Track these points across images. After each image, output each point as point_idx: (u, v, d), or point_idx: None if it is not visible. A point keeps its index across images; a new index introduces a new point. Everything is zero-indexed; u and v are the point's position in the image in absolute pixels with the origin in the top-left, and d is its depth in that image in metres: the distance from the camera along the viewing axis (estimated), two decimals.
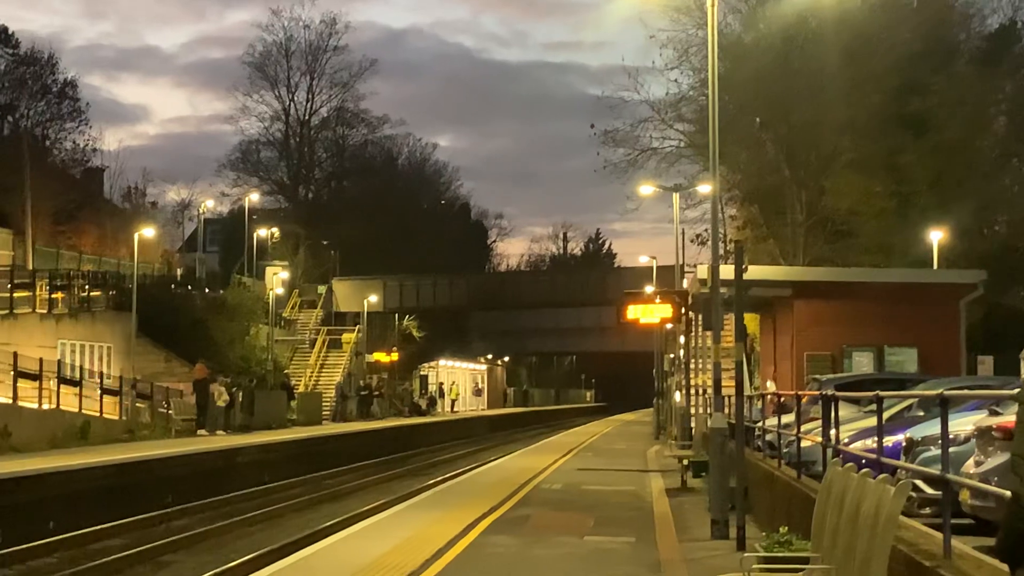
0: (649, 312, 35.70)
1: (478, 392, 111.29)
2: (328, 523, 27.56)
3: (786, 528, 12.41)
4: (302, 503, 33.75)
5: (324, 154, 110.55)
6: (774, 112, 44.33)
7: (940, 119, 43.52)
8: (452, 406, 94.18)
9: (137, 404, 47.58)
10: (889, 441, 13.96)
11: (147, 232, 61.47)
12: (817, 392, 19.49)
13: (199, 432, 45.10)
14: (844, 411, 16.65)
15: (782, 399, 22.18)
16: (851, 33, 41.35)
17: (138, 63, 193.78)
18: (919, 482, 13.08)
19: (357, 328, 77.20)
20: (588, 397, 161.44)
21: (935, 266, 40.50)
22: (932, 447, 13.58)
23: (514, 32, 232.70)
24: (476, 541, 17.71)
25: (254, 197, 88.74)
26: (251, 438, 43.81)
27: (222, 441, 41.59)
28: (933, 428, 13.84)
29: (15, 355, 40.18)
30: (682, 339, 44.78)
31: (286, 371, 66.11)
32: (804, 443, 17.10)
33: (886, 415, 13.90)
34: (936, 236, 41.70)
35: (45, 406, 40.71)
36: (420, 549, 16.62)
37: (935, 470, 10.03)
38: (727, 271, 20.21)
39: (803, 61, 43.06)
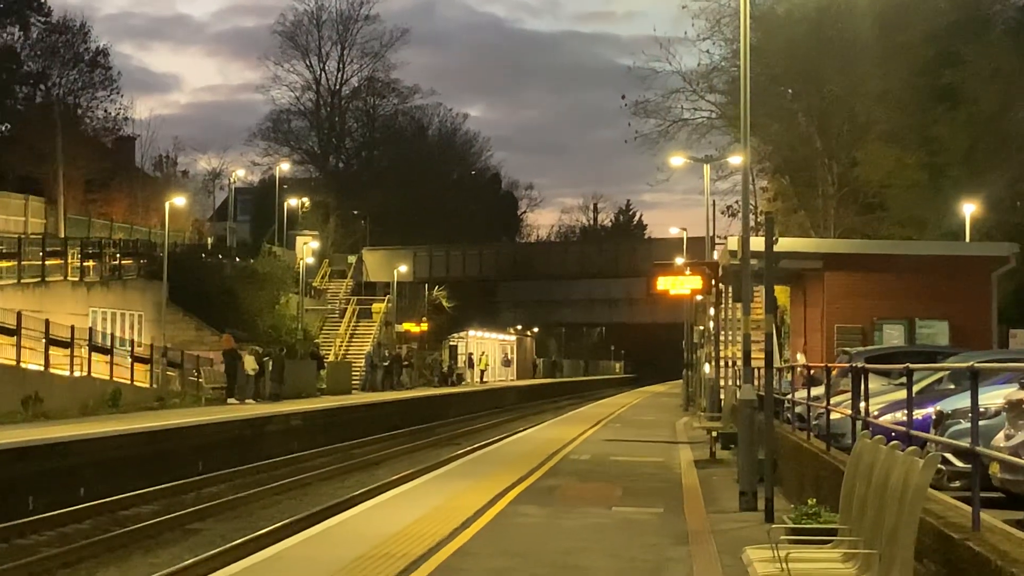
0: (679, 283, 35.61)
1: (507, 363, 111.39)
2: (357, 492, 27.68)
3: (814, 500, 12.41)
4: (331, 472, 33.87)
5: (355, 124, 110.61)
6: (806, 83, 44.15)
7: (974, 90, 43.18)
8: (481, 376, 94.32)
9: (167, 372, 47.81)
10: (919, 414, 13.92)
11: (178, 201, 61.64)
12: (847, 364, 19.42)
13: (229, 400, 45.29)
14: (874, 384, 16.58)
15: (812, 371, 22.11)
16: (885, 3, 41.08)
17: (169, 32, 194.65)
18: (948, 455, 13.04)
19: (387, 298, 77.32)
20: (617, 368, 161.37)
21: (967, 239, 40.27)
22: (962, 420, 13.53)
23: (545, 1, 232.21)
24: (504, 511, 17.74)
25: (285, 167, 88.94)
26: (281, 407, 43.97)
27: (252, 410, 41.75)
28: (963, 401, 13.79)
29: (47, 322, 40.39)
30: (712, 311, 44.68)
31: (316, 340, 66.33)
32: (833, 415, 17.04)
33: (916, 388, 13.86)
34: (969, 208, 41.43)
35: (76, 373, 40.94)
36: (449, 518, 16.66)
37: (965, 443, 9.99)
38: (757, 243, 20.13)
39: (836, 32, 42.80)
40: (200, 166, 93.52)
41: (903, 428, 11.95)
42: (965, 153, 43.48)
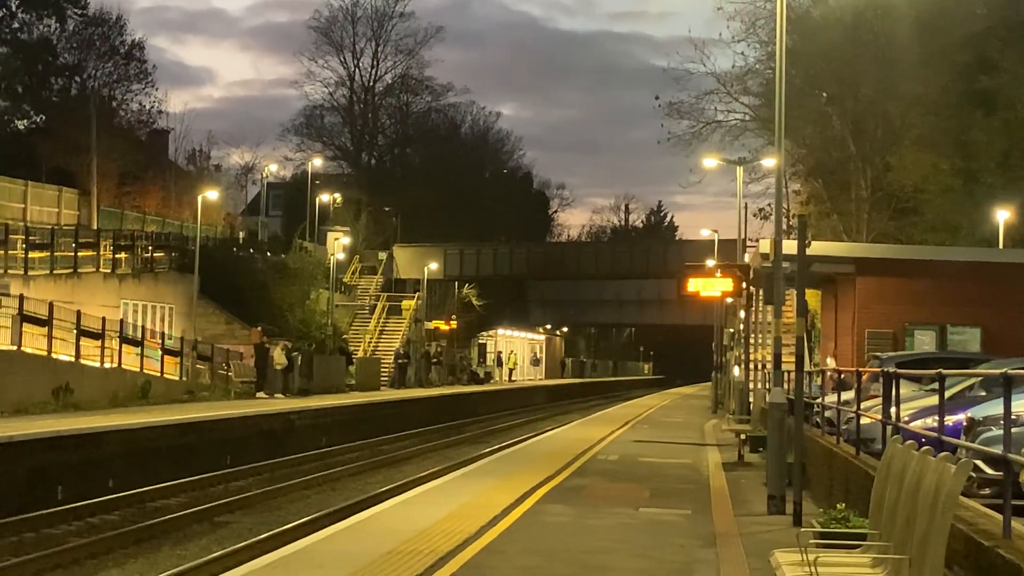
0: (710, 285, 35.55)
1: (536, 362, 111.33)
2: (384, 488, 27.72)
3: (843, 505, 12.35)
4: (359, 467, 33.90)
5: (388, 121, 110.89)
6: (841, 87, 43.98)
7: (1010, 96, 42.91)
8: (510, 375, 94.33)
9: (197, 365, 47.92)
10: (949, 420, 13.84)
11: (211, 195, 61.83)
12: (878, 369, 19.35)
13: (258, 395, 45.39)
14: (904, 389, 16.52)
15: (842, 376, 22.03)
16: (922, 8, 40.90)
17: (203, 25, 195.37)
18: (979, 462, 12.96)
19: (417, 295, 77.38)
20: (646, 369, 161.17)
21: (1001, 245, 40.07)
22: (993, 427, 13.44)
23: (580, 0, 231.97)
24: (532, 509, 17.74)
25: (317, 162, 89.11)
26: (309, 402, 44.04)
27: (281, 404, 41.84)
28: (995, 408, 13.71)
29: (78, 313, 40.55)
30: (742, 313, 44.59)
31: (345, 336, 66.40)
32: (863, 420, 16.99)
33: (947, 394, 13.77)
34: (1003, 215, 41.22)
35: (107, 365, 41.08)
36: (476, 516, 16.67)
37: (996, 450, 9.94)
38: (790, 246, 20.08)
39: (872, 36, 42.66)
40: (233, 160, 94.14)
41: (934, 434, 11.90)
42: (1000, 159, 43.23)
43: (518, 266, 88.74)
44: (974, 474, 12.69)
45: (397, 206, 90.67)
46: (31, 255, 48.56)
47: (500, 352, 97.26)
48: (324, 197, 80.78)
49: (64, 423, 27.90)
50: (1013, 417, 10.19)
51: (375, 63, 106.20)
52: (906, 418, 15.62)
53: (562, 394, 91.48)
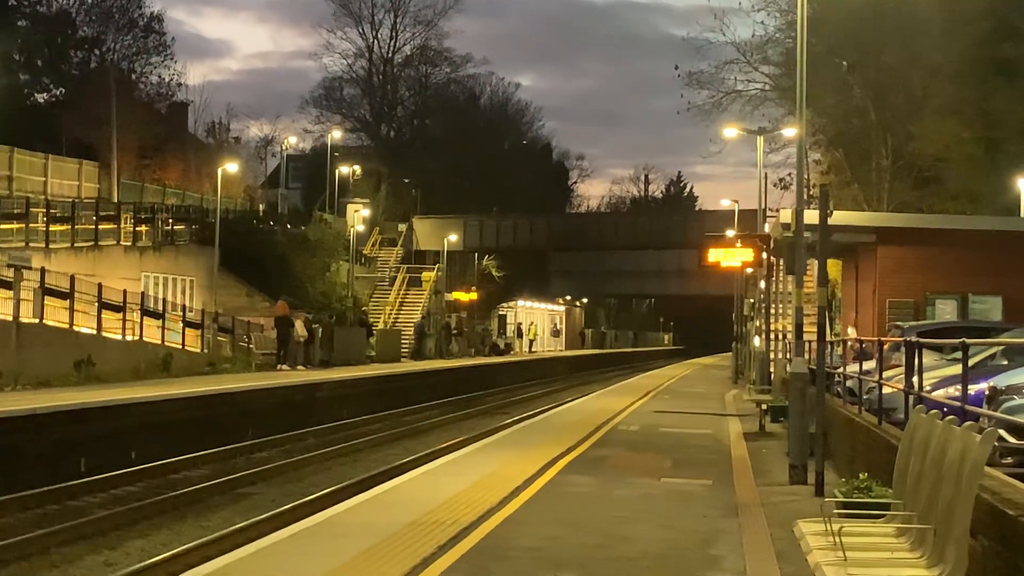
0: (730, 256, 35.51)
1: (556, 333, 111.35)
2: (406, 459, 27.79)
3: (866, 474, 12.33)
4: (380, 439, 34.01)
5: (407, 92, 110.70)
6: (863, 55, 43.79)
7: None
8: (530, 346, 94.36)
9: (218, 337, 48.07)
10: (971, 389, 13.80)
11: (230, 167, 61.85)
12: (899, 339, 19.29)
13: (280, 367, 45.50)
14: (926, 359, 16.48)
15: (863, 345, 21.98)
16: None
17: None
18: (1001, 431, 12.93)
19: (437, 267, 77.45)
20: (666, 340, 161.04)
21: (1022, 214, 39.90)
22: (1016, 396, 13.41)
23: None
24: (554, 480, 17.76)
25: (336, 134, 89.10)
26: (330, 374, 44.16)
27: (302, 376, 41.95)
28: (1018, 377, 13.69)
29: (100, 286, 40.68)
30: (762, 284, 44.52)
31: (365, 308, 66.52)
32: (886, 390, 16.94)
33: (969, 363, 13.72)
34: None
35: (128, 337, 41.23)
36: (499, 486, 16.69)
37: (1020, 419, 9.91)
38: (811, 215, 20.00)
39: (894, 3, 42.41)
40: (252, 133, 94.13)
41: (957, 403, 11.87)
42: (1022, 127, 43.04)
43: (538, 237, 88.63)
44: (997, 443, 12.67)
45: (417, 178, 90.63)
46: (52, 228, 48.49)
47: (520, 323, 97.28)
48: (344, 169, 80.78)
49: (86, 395, 28.01)
50: None
51: (394, 34, 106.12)
52: (928, 387, 15.58)
53: (582, 365, 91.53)
